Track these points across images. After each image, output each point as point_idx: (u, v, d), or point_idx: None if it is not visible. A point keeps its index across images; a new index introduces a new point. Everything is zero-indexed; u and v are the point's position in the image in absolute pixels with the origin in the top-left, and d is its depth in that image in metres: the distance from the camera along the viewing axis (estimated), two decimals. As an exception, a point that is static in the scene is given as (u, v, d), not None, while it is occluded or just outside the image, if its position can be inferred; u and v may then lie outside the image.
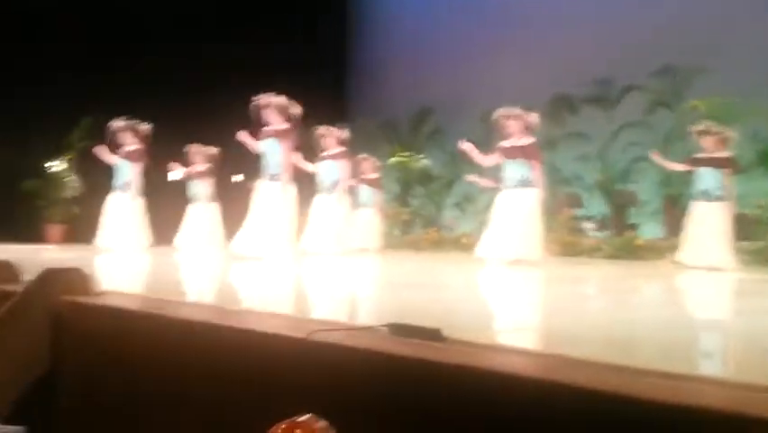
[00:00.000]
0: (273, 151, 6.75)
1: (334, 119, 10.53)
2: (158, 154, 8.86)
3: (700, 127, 7.22)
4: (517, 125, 6.89)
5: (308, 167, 8.29)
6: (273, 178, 6.71)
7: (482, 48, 13.09)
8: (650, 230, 9.61)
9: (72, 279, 2.91)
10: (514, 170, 6.83)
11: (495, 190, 11.52)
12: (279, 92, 7.10)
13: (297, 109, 6.89)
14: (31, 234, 10.00)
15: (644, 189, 10.15)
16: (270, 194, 6.69)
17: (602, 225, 10.11)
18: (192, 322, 2.38)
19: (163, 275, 5.27)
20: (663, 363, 1.93)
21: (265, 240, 6.51)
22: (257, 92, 6.94)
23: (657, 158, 7.89)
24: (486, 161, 7.19)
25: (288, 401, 2.02)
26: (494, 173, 7.61)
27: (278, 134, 6.76)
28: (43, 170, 10.58)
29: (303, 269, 5.83)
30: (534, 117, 7.01)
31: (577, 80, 10.83)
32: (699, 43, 10.10)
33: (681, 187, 9.70)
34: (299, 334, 1.99)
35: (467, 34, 13.50)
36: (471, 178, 8.39)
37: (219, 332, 2.23)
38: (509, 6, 12.99)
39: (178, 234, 9.18)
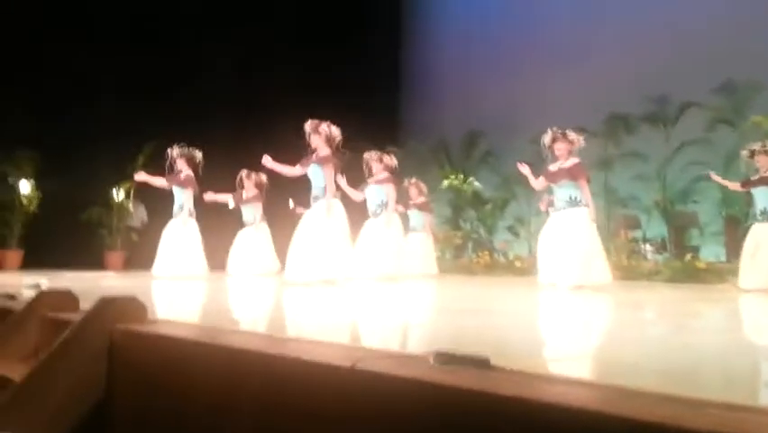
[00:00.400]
0: (317, 176, 6.98)
1: (386, 142, 10.63)
2: (216, 178, 9.07)
3: (755, 147, 7.06)
4: (565, 147, 6.89)
5: (355, 195, 8.43)
6: (316, 201, 6.93)
7: (534, 68, 13.00)
8: (711, 252, 9.28)
9: (127, 307, 2.97)
10: (562, 192, 6.87)
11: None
12: (333, 115, 7.27)
13: (338, 135, 7.11)
14: (92, 261, 10.32)
15: (705, 210, 9.83)
16: (315, 217, 6.86)
17: (662, 247, 9.82)
18: (242, 351, 2.39)
19: (215, 303, 5.34)
20: (727, 393, 1.84)
21: (315, 263, 6.60)
22: (311, 115, 7.13)
23: (716, 177, 7.73)
24: (537, 184, 7.17)
25: (336, 430, 2.01)
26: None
27: (320, 161, 6.97)
28: (106, 198, 10.93)
29: (354, 294, 5.82)
30: (576, 138, 7.05)
31: (633, 98, 10.63)
32: (759, 58, 9.80)
33: (744, 207, 9.38)
34: (346, 362, 1.98)
35: (518, 54, 13.44)
36: (542, 204, 8.37)
37: (268, 361, 2.23)
38: (561, 25, 12.88)
39: (229, 260, 9.35)
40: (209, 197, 9.04)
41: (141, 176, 8.67)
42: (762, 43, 10.10)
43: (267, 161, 7.14)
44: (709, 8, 10.95)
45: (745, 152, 7.20)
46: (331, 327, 3.49)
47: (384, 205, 8.41)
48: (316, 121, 7.10)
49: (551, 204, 7.31)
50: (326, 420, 2.02)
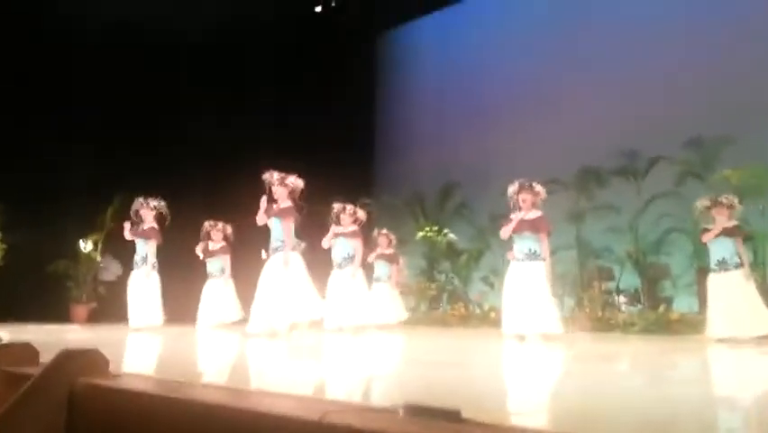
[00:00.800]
0: (277, 228, 7.06)
1: (361, 195, 10.65)
2: (185, 231, 9.01)
3: (720, 198, 7.36)
4: (530, 199, 7.05)
5: (324, 242, 8.47)
6: (275, 252, 6.99)
7: (507, 121, 13.23)
8: (684, 303, 9.34)
9: (89, 360, 2.87)
10: (523, 243, 7.00)
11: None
12: (307, 168, 7.32)
13: (301, 187, 7.19)
14: (58, 314, 10.07)
15: (677, 262, 9.94)
16: (274, 268, 6.91)
17: (635, 298, 9.86)
18: (207, 404, 2.31)
19: (180, 355, 5.22)
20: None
21: (276, 311, 6.63)
22: (285, 168, 7.19)
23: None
24: (502, 233, 7.25)
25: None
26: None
27: (281, 213, 7.05)
28: (73, 249, 10.74)
29: (322, 346, 5.74)
30: (541, 190, 7.21)
31: (604, 152, 10.81)
32: (727, 114, 10.08)
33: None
34: (313, 416, 1.91)
35: (492, 108, 13.68)
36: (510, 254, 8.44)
37: (233, 414, 2.16)
38: (535, 80, 13.17)
39: (198, 311, 9.28)
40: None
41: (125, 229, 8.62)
42: (729, 99, 10.40)
43: (262, 203, 7.12)
44: (678, 65, 11.29)
45: (702, 203, 7.44)
46: (297, 380, 3.41)
47: (350, 258, 8.47)
48: (282, 174, 7.16)
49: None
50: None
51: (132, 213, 8.67)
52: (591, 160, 10.99)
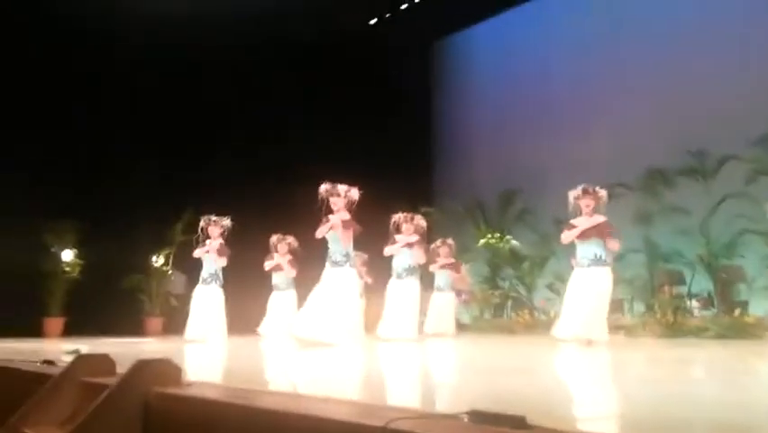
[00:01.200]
0: (335, 239, 7.03)
1: (421, 203, 10.67)
2: (249, 243, 9.22)
3: None
4: (592, 204, 6.95)
5: (387, 250, 8.54)
6: (335, 264, 6.95)
7: (568, 124, 13.02)
8: (760, 307, 8.96)
9: (163, 370, 2.97)
10: (586, 249, 6.93)
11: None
12: (367, 178, 7.37)
13: (356, 197, 7.18)
14: (132, 328, 10.44)
15: (752, 264, 9.55)
16: (334, 280, 6.90)
17: (708, 302, 9.52)
18: (273, 411, 2.37)
19: (246, 364, 5.33)
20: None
21: (333, 325, 6.62)
22: (345, 180, 7.23)
23: None
24: (564, 238, 7.10)
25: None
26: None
27: (343, 226, 7.02)
28: (145, 264, 11.12)
29: (380, 355, 5.76)
30: (603, 194, 7.14)
31: (670, 153, 10.53)
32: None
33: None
34: (377, 422, 1.94)
35: (553, 112, 13.49)
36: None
37: (299, 421, 2.20)
38: (595, 82, 12.94)
39: (262, 323, 9.46)
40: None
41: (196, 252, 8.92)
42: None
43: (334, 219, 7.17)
44: (744, 60, 10.91)
45: None
46: (361, 387, 3.44)
47: (411, 269, 8.50)
48: (332, 184, 7.21)
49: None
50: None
51: (199, 230, 8.94)
52: (657, 161, 10.71)
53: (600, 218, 6.97)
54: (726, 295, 9.36)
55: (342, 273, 6.92)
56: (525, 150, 13.47)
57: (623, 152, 11.32)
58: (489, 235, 12.23)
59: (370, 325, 8.19)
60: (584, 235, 6.92)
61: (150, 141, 11.21)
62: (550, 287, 11.89)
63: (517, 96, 14.26)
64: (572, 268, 7.22)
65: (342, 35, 13.56)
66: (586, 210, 6.96)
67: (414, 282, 8.58)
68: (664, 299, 9.28)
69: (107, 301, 10.09)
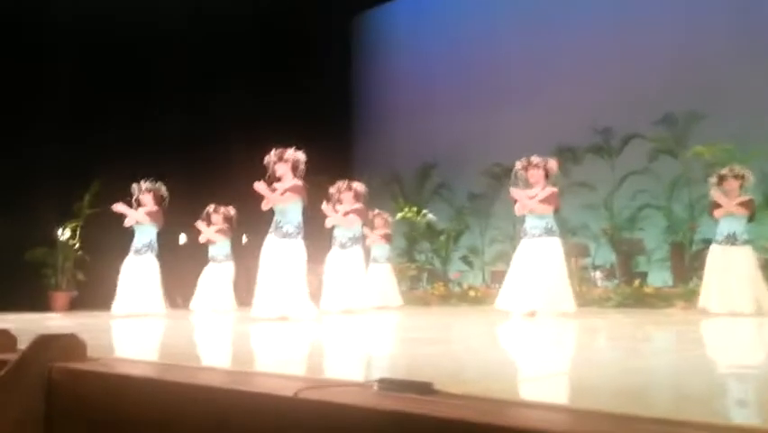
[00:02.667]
0: (281, 209, 6.63)
1: (339, 175, 10.66)
2: (171, 215, 8.92)
3: (723, 171, 7.11)
4: (539, 174, 6.88)
5: (329, 221, 8.17)
6: (285, 236, 6.58)
7: (484, 102, 13.28)
8: (658, 278, 9.51)
9: (66, 345, 2.88)
10: (538, 219, 6.83)
11: (503, 242, 11.57)
12: (282, 146, 7.07)
13: (303, 160, 6.80)
14: (37, 302, 9.99)
15: (651, 237, 10.10)
16: (283, 251, 6.54)
17: (610, 273, 10.01)
18: (182, 384, 2.34)
19: (165, 339, 5.23)
20: (666, 411, 1.87)
21: (285, 299, 6.36)
22: (262, 149, 6.91)
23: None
24: (518, 210, 7.03)
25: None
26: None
27: (291, 191, 6.62)
28: (50, 237, 10.64)
29: (310, 327, 5.76)
30: (552, 164, 7.07)
31: (579, 131, 10.93)
32: (698, 91, 10.23)
33: (688, 234, 9.67)
34: (287, 392, 1.95)
35: (469, 89, 13.72)
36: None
37: (208, 393, 2.20)
38: (511, 61, 13.22)
39: (193, 297, 9.12)
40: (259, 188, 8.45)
41: (119, 207, 8.22)
42: (699, 76, 10.54)
43: (259, 187, 6.62)
44: (650, 44, 11.41)
45: (713, 179, 7.20)
46: (279, 360, 3.45)
47: (355, 238, 8.24)
48: (281, 149, 6.76)
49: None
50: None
51: (133, 199, 8.32)
52: (567, 138, 11.10)
53: (552, 189, 6.93)
54: (626, 266, 9.87)
55: (293, 245, 6.55)
56: (442, 125, 13.66)
57: (535, 130, 11.66)
58: (407, 209, 12.38)
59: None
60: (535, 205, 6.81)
61: (57, 108, 10.66)
62: (464, 259, 12.21)
63: (436, 72, 14.40)
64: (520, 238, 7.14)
65: (265, 4, 13.27)
66: (533, 181, 6.90)
67: (359, 251, 8.25)
68: (571, 270, 9.67)
69: (10, 276, 9.61)
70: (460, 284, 11.09)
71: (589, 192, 10.75)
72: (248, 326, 5.99)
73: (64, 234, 10.56)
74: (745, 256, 6.83)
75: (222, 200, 9.47)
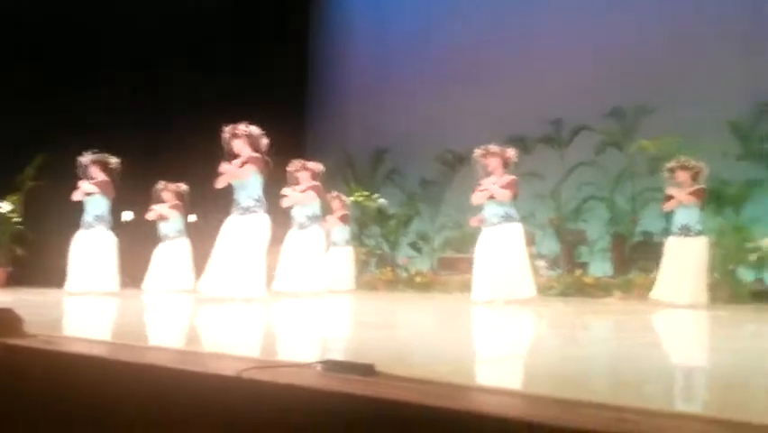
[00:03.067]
0: (240, 184, 6.47)
1: (291, 156, 10.58)
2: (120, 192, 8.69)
3: (673, 163, 7.20)
4: (497, 162, 6.97)
5: (286, 201, 8.02)
6: (246, 211, 6.42)
7: (437, 89, 13.33)
8: (599, 268, 9.77)
9: (2, 320, 2.83)
10: (497, 206, 6.89)
11: (453, 229, 11.69)
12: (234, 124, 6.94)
13: (265, 140, 6.67)
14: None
15: (594, 228, 10.35)
16: (243, 228, 6.37)
17: (554, 263, 10.23)
18: (123, 363, 2.33)
19: (113, 318, 5.14)
20: (601, 395, 1.94)
21: (237, 278, 6.18)
22: (214, 127, 6.74)
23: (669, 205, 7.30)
24: (476, 199, 7.07)
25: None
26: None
27: (249, 162, 6.46)
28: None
29: (274, 309, 5.73)
30: (511, 153, 7.14)
31: (531, 121, 11.10)
32: (646, 85, 10.49)
33: (629, 225, 9.95)
34: (231, 372, 1.96)
35: (422, 76, 13.75)
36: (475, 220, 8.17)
37: (149, 371, 2.19)
38: (465, 49, 13.29)
39: (146, 276, 8.82)
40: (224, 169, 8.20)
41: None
42: (649, 71, 10.81)
43: (224, 168, 6.47)
44: (602, 38, 11.62)
45: (665, 173, 7.30)
46: (225, 341, 3.44)
47: (314, 217, 8.11)
48: (232, 125, 6.58)
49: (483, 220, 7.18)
50: (214, 430, 2.00)
51: (80, 172, 7.93)
52: (519, 128, 11.25)
53: (510, 176, 6.99)
54: (569, 256, 10.10)
55: (256, 220, 6.37)
56: (396, 110, 13.67)
57: (488, 118, 11.78)
58: (359, 193, 12.38)
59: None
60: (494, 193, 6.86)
61: (1, 81, 10.25)
62: (413, 245, 12.29)
63: (393, 57, 14.38)
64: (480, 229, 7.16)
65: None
66: (492, 169, 6.96)
67: (319, 231, 8.08)
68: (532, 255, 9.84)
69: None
70: (407, 270, 11.18)
71: (539, 182, 10.95)
72: (200, 306, 5.92)
73: (3, 207, 10.21)
74: (699, 247, 6.89)
75: (172, 178, 9.29)
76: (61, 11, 10.80)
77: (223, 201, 6.83)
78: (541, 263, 9.94)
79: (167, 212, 8.96)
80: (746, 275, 8.20)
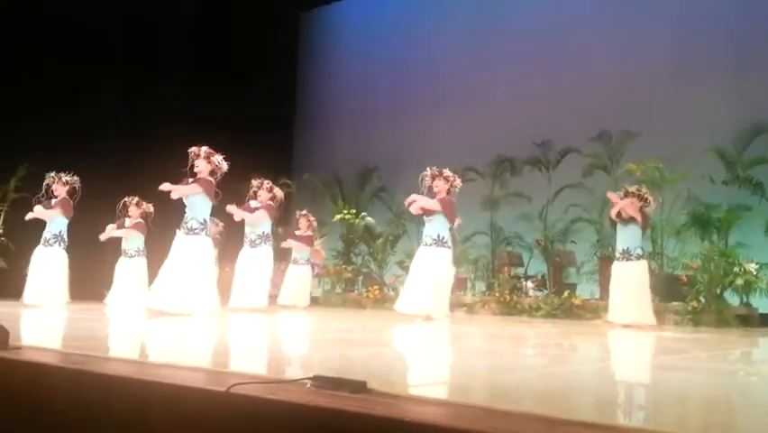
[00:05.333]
0: (192, 205, 6.70)
1: (280, 174, 10.60)
2: (98, 206, 8.70)
3: (630, 188, 7.48)
4: (443, 185, 7.21)
5: (239, 216, 8.34)
6: (190, 231, 6.61)
7: (427, 110, 13.42)
8: (586, 290, 9.79)
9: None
10: (431, 228, 7.21)
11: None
12: (227, 145, 7.11)
13: (224, 167, 6.88)
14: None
15: (582, 250, 10.39)
16: (187, 247, 6.56)
17: (542, 284, 10.25)
18: (110, 377, 2.30)
19: (85, 331, 5.08)
20: (589, 415, 1.94)
21: (187, 293, 6.33)
22: (198, 143, 6.90)
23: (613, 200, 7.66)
24: (413, 208, 7.36)
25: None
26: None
27: (198, 183, 6.67)
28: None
29: (230, 325, 5.72)
30: (458, 182, 7.43)
31: (519, 143, 11.18)
32: (632, 110, 10.63)
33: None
34: (220, 387, 1.94)
35: (413, 96, 13.85)
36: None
37: (138, 386, 2.16)
38: (455, 70, 13.41)
39: (110, 290, 8.97)
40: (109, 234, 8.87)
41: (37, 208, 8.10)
42: (635, 96, 10.95)
43: (166, 186, 6.70)
44: (588, 63, 11.78)
45: (620, 193, 7.56)
46: (206, 355, 3.41)
47: (265, 236, 8.38)
48: (211, 150, 6.83)
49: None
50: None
51: (43, 188, 8.14)
52: (507, 149, 11.34)
53: (450, 199, 7.21)
54: (557, 277, 10.12)
55: (198, 241, 6.62)
56: (384, 129, 13.73)
57: (476, 140, 11.88)
58: (345, 211, 12.37)
59: (224, 294, 8.00)
60: (427, 212, 7.14)
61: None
62: (400, 264, 12.27)
63: (381, 76, 14.46)
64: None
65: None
66: (437, 190, 7.19)
67: (267, 250, 8.43)
68: (504, 279, 9.88)
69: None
70: (395, 288, 11.15)
71: (526, 203, 11.00)
72: (161, 320, 5.91)
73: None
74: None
75: (151, 195, 9.30)
76: (56, 17, 10.81)
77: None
78: (528, 284, 9.96)
79: (122, 233, 9.10)
80: (733, 299, 8.26)
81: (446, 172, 7.35)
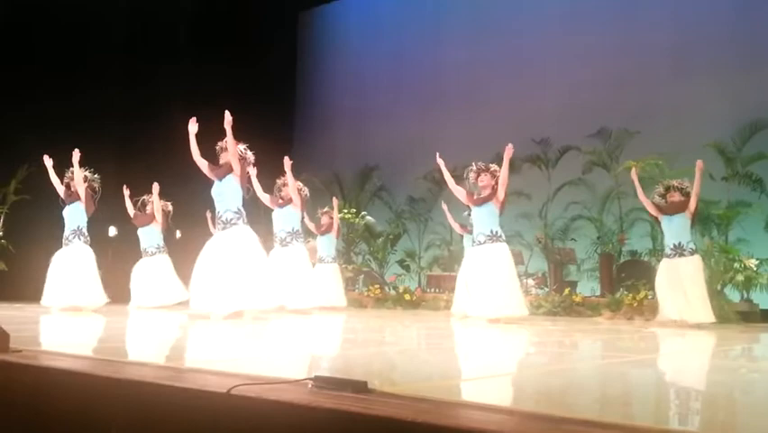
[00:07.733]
0: (222, 191, 6.42)
1: (279, 172, 10.56)
2: (98, 205, 8.64)
3: (673, 182, 7.26)
4: (488, 180, 7.05)
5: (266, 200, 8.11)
6: (226, 224, 6.28)
7: (427, 108, 13.42)
8: (587, 287, 9.80)
9: (-13, 335, 2.78)
10: (483, 225, 6.92)
11: (440, 247, 11.71)
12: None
13: (252, 165, 6.87)
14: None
15: (582, 247, 10.39)
16: (229, 240, 6.22)
17: (542, 281, 10.25)
18: (113, 379, 2.29)
19: (93, 333, 5.08)
20: (588, 413, 1.94)
21: (223, 294, 5.97)
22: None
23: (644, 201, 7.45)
24: (458, 192, 7.27)
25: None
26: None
27: (236, 173, 6.45)
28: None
29: (252, 326, 5.66)
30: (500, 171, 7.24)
31: (518, 140, 11.14)
32: (631, 108, 10.63)
33: (617, 246, 9.99)
34: (221, 389, 1.94)
35: (412, 95, 13.85)
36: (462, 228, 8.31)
37: (140, 388, 2.15)
38: (455, 69, 13.41)
39: (132, 290, 8.73)
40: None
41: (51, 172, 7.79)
42: (633, 94, 10.95)
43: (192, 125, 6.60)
44: (588, 60, 11.78)
45: (659, 189, 7.38)
46: (214, 357, 3.41)
47: (295, 233, 8.06)
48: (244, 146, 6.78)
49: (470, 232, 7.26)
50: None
51: (63, 185, 7.86)
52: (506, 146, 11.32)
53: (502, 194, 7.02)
54: (558, 275, 10.13)
55: (236, 232, 6.21)
56: (385, 128, 13.73)
57: (476, 137, 11.87)
58: (346, 210, 12.37)
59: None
60: (479, 202, 6.95)
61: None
62: (400, 263, 12.28)
63: (381, 75, 14.46)
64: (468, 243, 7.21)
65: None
66: (483, 185, 7.05)
67: (300, 247, 8.05)
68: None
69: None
70: (395, 287, 11.15)
71: (526, 201, 11.00)
72: (183, 321, 5.87)
73: (-14, 220, 10.10)
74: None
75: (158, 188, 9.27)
76: (54, 17, 10.80)
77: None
78: (529, 282, 9.96)
79: (155, 215, 8.84)
80: (733, 295, 8.26)
81: (493, 167, 7.14)
